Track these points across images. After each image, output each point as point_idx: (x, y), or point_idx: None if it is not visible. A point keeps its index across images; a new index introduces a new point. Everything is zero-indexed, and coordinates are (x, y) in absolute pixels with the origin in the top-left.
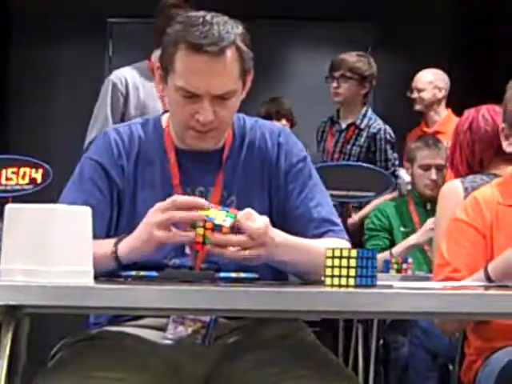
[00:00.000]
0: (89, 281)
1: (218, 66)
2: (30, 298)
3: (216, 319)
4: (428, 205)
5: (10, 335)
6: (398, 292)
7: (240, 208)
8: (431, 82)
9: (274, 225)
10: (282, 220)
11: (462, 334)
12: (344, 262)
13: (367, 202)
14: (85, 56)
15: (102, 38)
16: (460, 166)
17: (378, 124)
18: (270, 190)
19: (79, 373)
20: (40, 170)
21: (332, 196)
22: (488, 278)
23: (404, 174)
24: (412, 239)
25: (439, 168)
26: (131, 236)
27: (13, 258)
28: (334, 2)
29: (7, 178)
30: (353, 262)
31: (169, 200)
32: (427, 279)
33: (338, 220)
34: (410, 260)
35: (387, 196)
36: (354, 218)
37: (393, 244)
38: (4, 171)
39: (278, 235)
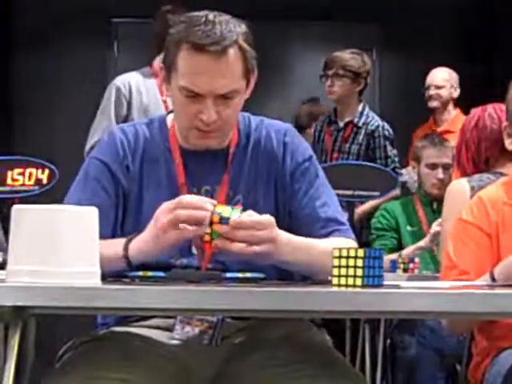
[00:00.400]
0: (96, 281)
1: (220, 65)
2: (37, 298)
3: (223, 319)
4: (434, 204)
5: (17, 336)
6: (405, 292)
7: (246, 207)
8: (448, 79)
9: (280, 224)
10: (288, 219)
11: (470, 333)
12: (351, 262)
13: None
14: (89, 57)
15: (107, 39)
16: (466, 164)
17: (375, 121)
18: (276, 189)
19: (87, 373)
20: (46, 171)
21: (338, 195)
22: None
23: (411, 173)
24: (421, 245)
25: (446, 167)
26: (141, 238)
27: (20, 258)
28: (334, 2)
29: (13, 179)
30: (360, 262)
31: (175, 200)
32: (434, 279)
33: (345, 219)
34: (416, 260)
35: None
36: (357, 211)
37: (400, 243)
38: (10, 172)
39: (284, 234)
